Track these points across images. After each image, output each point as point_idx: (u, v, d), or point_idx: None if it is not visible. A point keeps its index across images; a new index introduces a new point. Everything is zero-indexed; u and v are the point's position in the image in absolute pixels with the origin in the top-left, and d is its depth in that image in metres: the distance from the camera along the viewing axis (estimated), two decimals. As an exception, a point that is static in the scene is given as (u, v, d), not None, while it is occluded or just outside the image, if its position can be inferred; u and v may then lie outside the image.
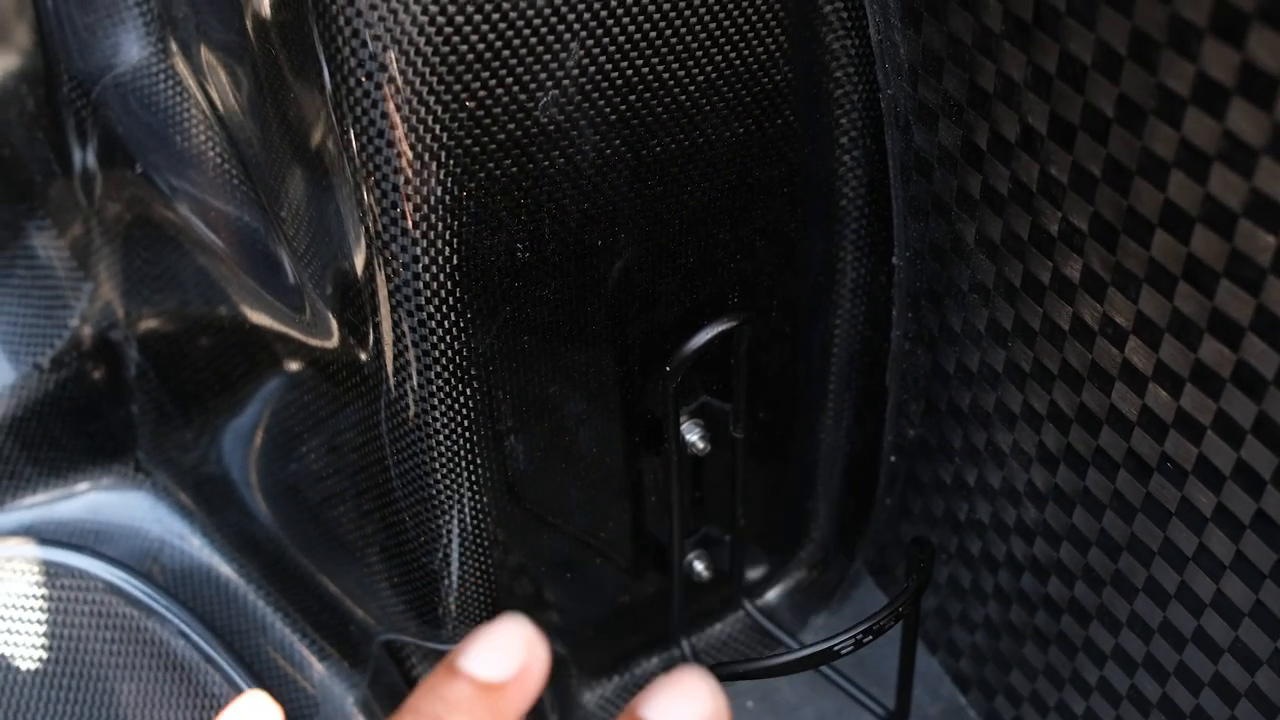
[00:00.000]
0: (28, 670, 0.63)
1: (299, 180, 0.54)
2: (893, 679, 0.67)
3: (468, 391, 0.54)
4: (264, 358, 0.69)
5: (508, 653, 0.31)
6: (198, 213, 0.65)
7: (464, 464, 0.56)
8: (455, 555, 0.60)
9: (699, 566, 0.69)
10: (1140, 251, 0.45)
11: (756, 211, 0.57)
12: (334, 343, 0.59)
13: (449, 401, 0.54)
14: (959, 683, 0.72)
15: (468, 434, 0.55)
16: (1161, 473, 0.50)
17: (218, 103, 0.58)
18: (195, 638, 0.65)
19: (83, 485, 0.77)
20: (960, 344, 0.59)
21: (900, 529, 0.72)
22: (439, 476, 0.57)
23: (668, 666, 0.75)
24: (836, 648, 0.53)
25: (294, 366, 0.66)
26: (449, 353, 0.52)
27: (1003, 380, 0.58)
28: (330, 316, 0.58)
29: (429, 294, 0.50)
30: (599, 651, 0.72)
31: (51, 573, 0.64)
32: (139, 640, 0.64)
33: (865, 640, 0.54)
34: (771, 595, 0.77)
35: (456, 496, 0.58)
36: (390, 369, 0.54)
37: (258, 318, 0.65)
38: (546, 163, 0.49)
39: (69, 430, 0.76)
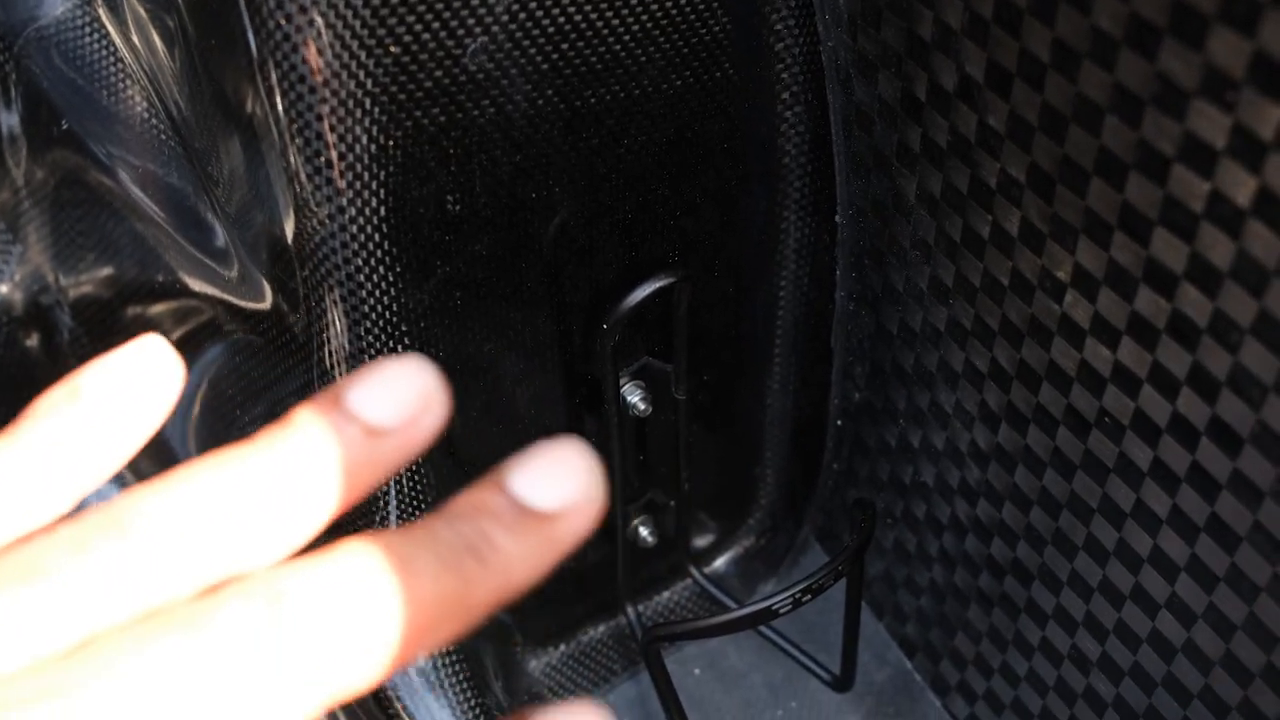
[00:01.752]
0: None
1: (226, 134, 0.53)
2: (839, 645, 0.67)
3: (398, 349, 0.53)
4: (199, 324, 0.67)
5: (400, 397, 0.28)
6: (127, 172, 0.63)
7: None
8: (392, 518, 0.59)
9: (644, 532, 0.68)
10: (1076, 201, 0.45)
11: (696, 167, 0.56)
12: (266, 304, 0.58)
13: (381, 355, 0.53)
14: (905, 647, 0.72)
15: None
16: (1100, 428, 0.50)
17: (143, 56, 0.57)
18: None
19: (18, 453, 0.75)
20: (903, 303, 0.59)
21: (847, 494, 0.71)
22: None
23: (614, 634, 0.74)
24: (775, 607, 0.53)
25: (229, 332, 0.64)
26: (378, 308, 0.51)
27: (945, 339, 0.57)
28: (261, 277, 0.57)
29: (356, 247, 0.49)
30: (544, 619, 0.72)
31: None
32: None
33: (804, 599, 0.53)
34: (719, 562, 0.76)
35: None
36: (319, 327, 0.53)
37: (191, 281, 0.64)
38: (476, 112, 0.48)
39: (1, 400, 0.74)
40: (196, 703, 0.22)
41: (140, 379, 0.28)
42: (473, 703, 0.65)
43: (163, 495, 0.25)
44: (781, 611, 0.53)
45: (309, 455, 0.26)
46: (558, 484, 0.27)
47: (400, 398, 0.27)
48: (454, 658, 0.66)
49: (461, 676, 0.66)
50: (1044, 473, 0.55)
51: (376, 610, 0.24)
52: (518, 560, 0.26)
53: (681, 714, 0.61)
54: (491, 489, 0.26)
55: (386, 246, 0.50)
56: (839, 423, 0.68)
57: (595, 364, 0.58)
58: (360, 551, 0.25)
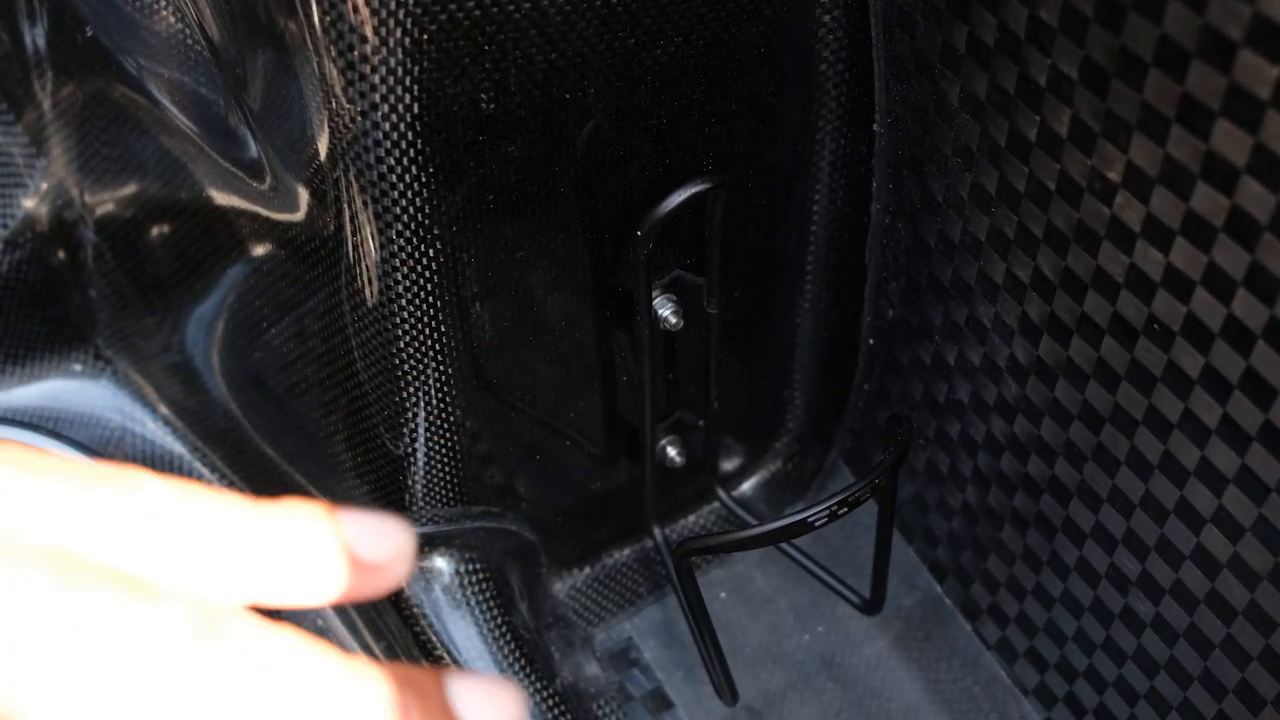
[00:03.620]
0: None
1: (256, 35, 0.52)
2: (868, 570, 0.66)
3: (430, 253, 0.52)
4: (226, 237, 0.66)
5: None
6: (154, 83, 0.62)
7: (428, 332, 0.54)
8: (420, 434, 0.59)
9: (672, 453, 0.67)
10: (1132, 95, 0.43)
11: (732, 73, 0.55)
12: (298, 213, 0.57)
13: (411, 263, 0.52)
14: (935, 571, 0.71)
15: (431, 299, 0.53)
16: (1148, 336, 0.49)
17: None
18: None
19: (41, 372, 0.74)
20: (942, 213, 0.57)
21: (878, 415, 0.70)
22: (402, 346, 0.55)
23: (640, 557, 0.73)
24: (810, 519, 0.52)
25: (258, 244, 0.63)
26: (410, 210, 0.50)
27: (985, 249, 0.56)
28: (293, 183, 0.56)
29: (389, 145, 0.48)
30: (570, 541, 0.71)
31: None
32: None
33: (839, 513, 0.52)
34: (747, 486, 0.75)
35: (420, 369, 0.56)
36: (351, 230, 0.52)
37: (218, 193, 0.63)
38: (512, 7, 0.47)
39: (25, 315, 0.73)
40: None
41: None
42: (499, 621, 0.65)
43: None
44: (817, 524, 0.52)
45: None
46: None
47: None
48: (480, 576, 0.65)
49: (487, 595, 0.65)
50: (1086, 385, 0.53)
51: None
52: None
53: (710, 629, 0.60)
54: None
55: (419, 146, 0.49)
56: (871, 341, 0.67)
57: (628, 275, 0.57)
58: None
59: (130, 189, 0.70)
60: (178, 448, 0.73)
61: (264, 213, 0.60)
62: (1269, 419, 0.45)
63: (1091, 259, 0.50)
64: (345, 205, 0.52)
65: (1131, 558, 0.56)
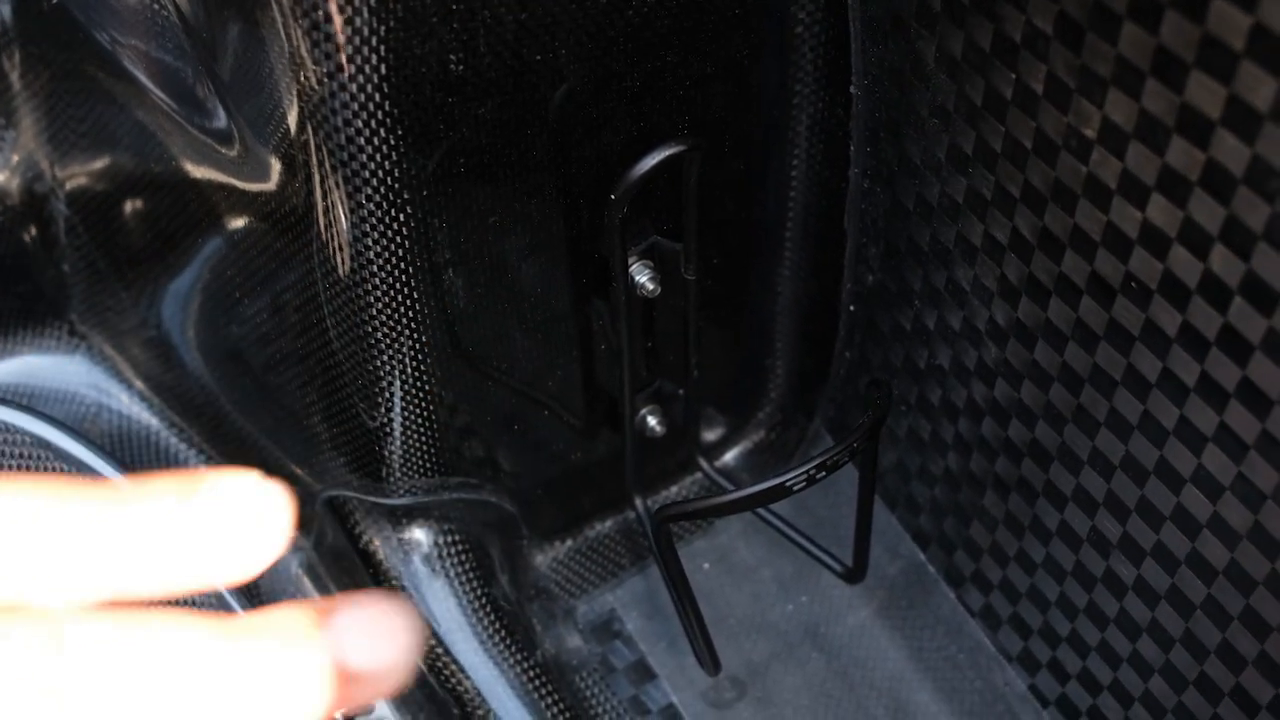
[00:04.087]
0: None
1: (224, 0, 0.51)
2: (851, 539, 0.65)
3: (401, 218, 0.51)
4: (199, 209, 0.66)
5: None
6: (123, 53, 0.61)
7: (400, 300, 0.54)
8: (396, 405, 0.58)
9: (653, 422, 0.67)
10: (1107, 49, 0.43)
11: (707, 35, 0.54)
12: (270, 183, 0.56)
13: (382, 229, 0.51)
14: (918, 540, 0.71)
15: (403, 265, 0.53)
16: (1126, 294, 0.48)
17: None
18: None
19: (14, 348, 0.74)
20: (920, 176, 0.57)
21: (859, 383, 0.70)
22: (375, 314, 0.54)
23: (622, 529, 0.73)
24: (789, 483, 0.51)
25: (231, 216, 0.63)
26: (379, 174, 0.50)
27: (963, 211, 0.55)
28: (264, 151, 0.55)
29: (355, 108, 0.48)
30: (551, 513, 0.71)
31: (-26, 425, 0.61)
32: (69, 496, 0.61)
33: (818, 476, 0.52)
34: (729, 456, 0.75)
35: (394, 338, 0.55)
36: (321, 196, 0.51)
37: (191, 165, 0.62)
38: (479, -36, 0.46)
39: (-4, 290, 0.73)
40: None
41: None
42: (479, 593, 0.65)
43: None
44: (795, 488, 0.52)
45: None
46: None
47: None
48: (459, 548, 0.65)
49: (467, 566, 0.65)
50: (1065, 347, 0.53)
51: None
52: None
53: (691, 598, 0.60)
54: None
55: (387, 108, 0.48)
56: (851, 308, 0.66)
57: (603, 240, 0.57)
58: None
59: (101, 162, 0.69)
60: (154, 423, 0.73)
61: (236, 183, 0.59)
62: (1247, 375, 0.45)
63: (1069, 217, 0.49)
64: (315, 171, 0.51)
65: (1112, 520, 0.55)
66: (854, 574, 0.66)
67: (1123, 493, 0.54)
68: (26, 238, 0.72)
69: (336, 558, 0.68)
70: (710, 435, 0.74)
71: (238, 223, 0.63)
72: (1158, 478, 0.52)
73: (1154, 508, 0.52)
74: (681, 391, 0.67)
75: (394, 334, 0.55)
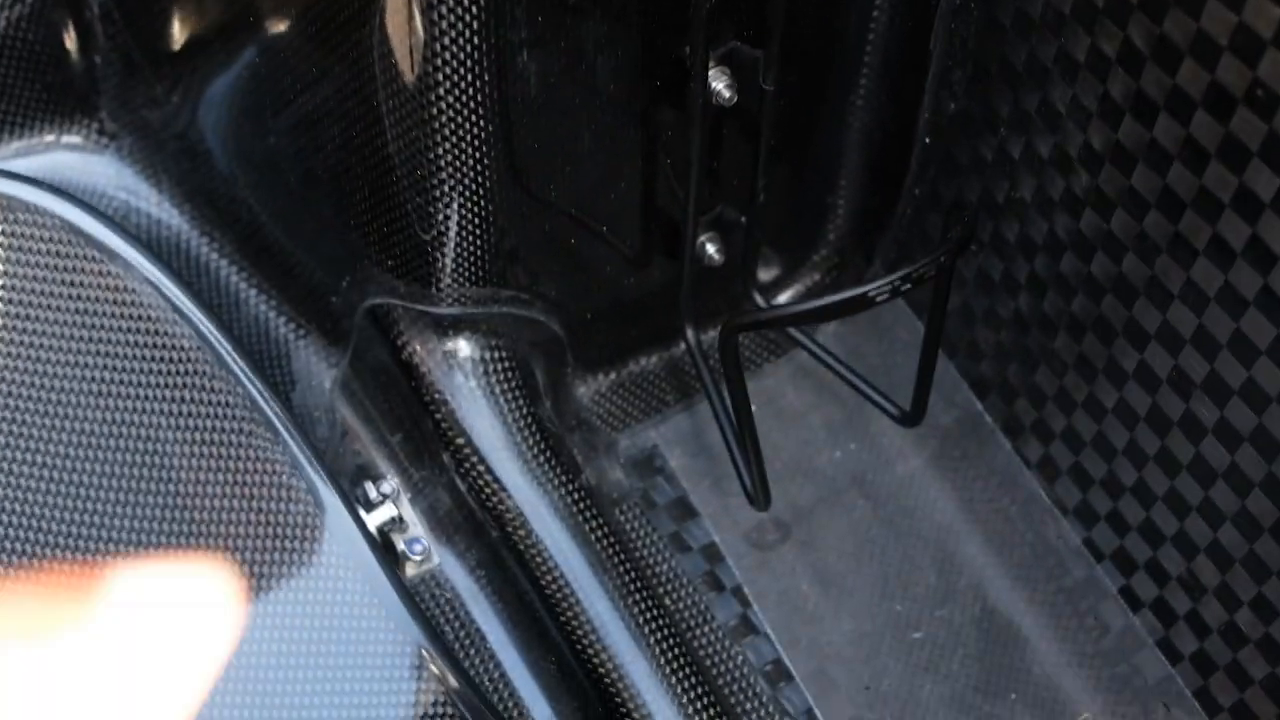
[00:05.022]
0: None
1: None
2: (905, 390, 0.63)
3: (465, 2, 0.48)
4: (236, 13, 0.63)
5: None
6: None
7: (470, 79, 0.51)
8: (455, 195, 0.55)
9: (711, 250, 0.64)
10: None
11: None
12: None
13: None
14: (977, 388, 0.69)
15: (476, 39, 0.49)
16: (1250, 104, 0.46)
17: None
18: (165, 288, 0.59)
19: (42, 143, 0.70)
20: (1023, -14, 0.54)
21: (927, 223, 0.67)
22: (443, 93, 0.51)
23: (668, 365, 0.70)
24: (872, 294, 0.49)
25: (281, 6, 0.59)
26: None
27: (1069, 23, 0.52)
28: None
29: None
30: (598, 341, 0.68)
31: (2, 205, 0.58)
32: (99, 285, 0.58)
33: (902, 289, 0.49)
34: (783, 298, 0.72)
35: (460, 119, 0.52)
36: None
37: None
38: None
39: (24, 80, 0.69)
40: None
41: None
42: (523, 411, 0.62)
43: None
44: (879, 299, 0.49)
45: None
46: None
47: None
48: (505, 365, 0.62)
49: (513, 383, 0.62)
50: (1169, 169, 0.50)
51: None
52: None
53: (750, 421, 0.57)
54: None
55: None
56: (927, 140, 0.63)
57: (686, 37, 0.53)
58: None
59: (143, -52, 0.66)
60: (185, 227, 0.70)
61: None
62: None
63: (1194, 21, 0.46)
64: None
65: (1200, 358, 0.53)
66: (912, 417, 0.63)
67: (1215, 327, 0.52)
68: (57, 21, 0.68)
69: (375, 373, 0.66)
70: (766, 275, 0.71)
71: (288, 14, 0.59)
72: (1258, 309, 0.49)
73: (1249, 341, 0.50)
74: (744, 219, 0.64)
75: (460, 120, 0.52)
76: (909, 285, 0.50)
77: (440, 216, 0.57)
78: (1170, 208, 0.51)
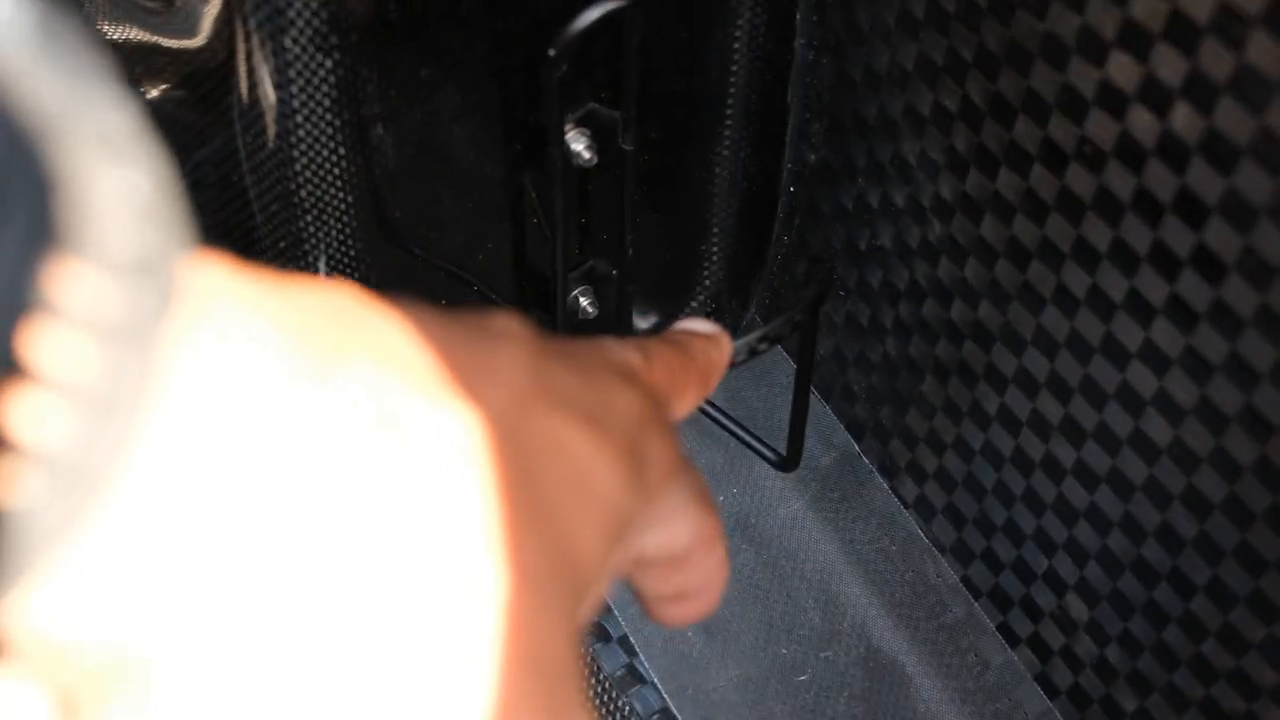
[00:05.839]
0: None
1: None
2: (784, 431, 0.64)
3: (328, 64, 0.48)
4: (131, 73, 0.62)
5: None
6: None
7: (326, 154, 0.51)
8: (323, 265, 0.55)
9: (584, 303, 0.65)
10: (1072, -108, 0.41)
11: (652, -114, 0.52)
12: (197, 39, 0.53)
13: (308, 74, 0.48)
14: (853, 430, 0.70)
15: (330, 115, 0.50)
16: (1079, 161, 0.47)
17: None
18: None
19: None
20: (868, 43, 0.55)
21: (796, 270, 0.68)
22: (299, 168, 0.51)
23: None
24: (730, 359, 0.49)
25: (150, 81, 0.59)
26: (305, 14, 0.47)
27: (912, 79, 0.54)
28: (196, 7, 0.52)
29: (279, -63, 0.45)
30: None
31: None
32: None
33: (760, 348, 0.50)
34: (661, 345, 0.73)
35: (320, 192, 0.52)
36: (243, 39, 0.48)
37: (112, 27, 0.59)
38: None
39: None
40: None
41: None
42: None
43: None
44: (737, 360, 0.50)
45: None
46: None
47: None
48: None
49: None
50: (1013, 219, 0.52)
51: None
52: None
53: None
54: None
55: (312, -60, 0.45)
56: (791, 189, 0.65)
57: (540, 103, 0.54)
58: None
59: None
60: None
61: (160, 41, 0.56)
62: (1201, 241, 0.43)
63: (1023, 79, 0.48)
64: (239, 24, 0.48)
65: (1055, 401, 0.54)
66: (788, 462, 0.64)
67: (1066, 372, 0.53)
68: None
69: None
70: (643, 323, 0.72)
71: (156, 94, 0.59)
72: (1103, 355, 0.51)
73: (1098, 386, 0.52)
74: (615, 272, 0.64)
75: (320, 192, 0.52)
76: (765, 345, 0.51)
77: (303, 269, 0.57)
78: (1017, 256, 0.52)
